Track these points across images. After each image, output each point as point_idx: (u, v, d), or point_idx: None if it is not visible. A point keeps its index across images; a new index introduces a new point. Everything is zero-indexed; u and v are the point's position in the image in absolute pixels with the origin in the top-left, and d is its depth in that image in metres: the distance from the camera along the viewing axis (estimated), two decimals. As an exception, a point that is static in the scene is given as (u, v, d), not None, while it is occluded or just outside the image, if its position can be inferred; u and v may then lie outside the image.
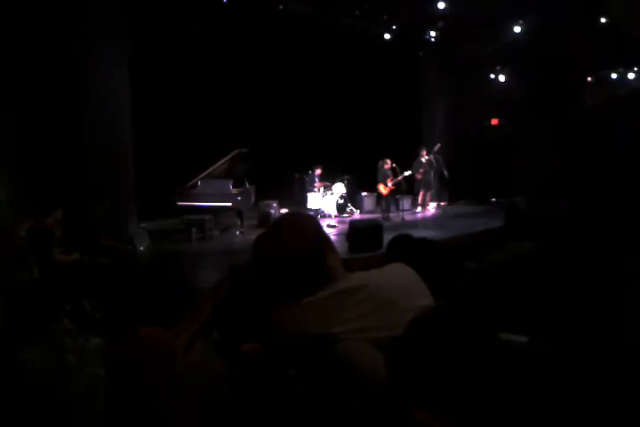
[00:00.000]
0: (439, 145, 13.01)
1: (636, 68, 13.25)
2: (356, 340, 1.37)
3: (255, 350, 1.49)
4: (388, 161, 12.01)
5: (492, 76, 14.62)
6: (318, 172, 12.45)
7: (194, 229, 9.49)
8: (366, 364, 1.29)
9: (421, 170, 12.97)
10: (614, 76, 13.52)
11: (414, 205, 13.68)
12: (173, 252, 8.72)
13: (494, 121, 15.15)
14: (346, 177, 12.85)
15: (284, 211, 11.33)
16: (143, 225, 9.14)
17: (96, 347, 2.32)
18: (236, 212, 10.09)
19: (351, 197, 13.10)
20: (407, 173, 12.13)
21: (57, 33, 8.48)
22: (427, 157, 13.02)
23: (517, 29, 12.09)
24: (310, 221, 1.67)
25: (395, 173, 11.97)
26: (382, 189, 12.16)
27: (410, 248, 2.33)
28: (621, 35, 11.10)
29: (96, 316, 3.71)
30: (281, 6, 10.86)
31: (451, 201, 14.34)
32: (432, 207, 13.62)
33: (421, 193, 13.37)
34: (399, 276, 1.61)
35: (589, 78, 13.64)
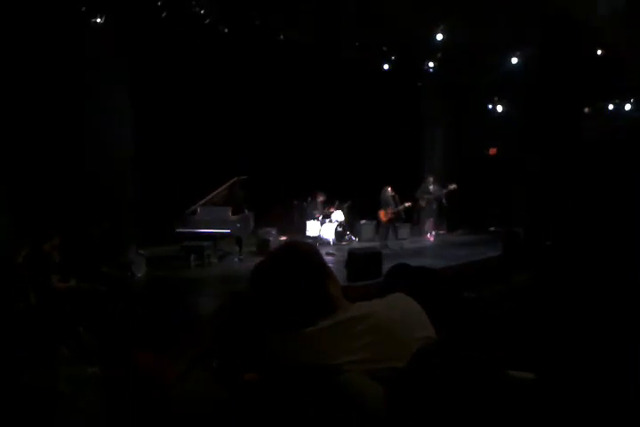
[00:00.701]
0: (455, 186, 12.92)
1: (632, 99, 13.42)
2: (357, 371, 1.36)
3: (255, 380, 1.48)
4: (390, 189, 12.06)
5: (490, 106, 14.81)
6: (321, 199, 12.48)
7: (192, 256, 9.47)
8: (367, 397, 1.28)
9: (427, 197, 12.94)
10: (611, 106, 13.69)
11: (413, 233, 13.67)
12: (172, 279, 8.68)
13: (492, 151, 15.26)
14: (345, 204, 12.88)
15: (282, 238, 11.34)
16: (141, 252, 9.12)
17: (91, 376, 2.29)
18: (235, 239, 10.08)
19: (350, 225, 13.10)
20: (408, 205, 12.12)
21: (58, 60, 8.64)
22: (434, 186, 12.97)
23: (515, 60, 12.28)
24: (310, 251, 1.67)
25: (395, 201, 11.99)
26: (382, 216, 12.16)
27: (408, 277, 2.33)
28: (617, 66, 11.31)
29: (92, 343, 3.67)
30: (281, 36, 11.04)
31: (449, 230, 14.34)
32: (431, 236, 13.59)
33: (430, 221, 13.28)
34: (401, 306, 1.60)
35: (586, 109, 13.81)
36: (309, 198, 12.56)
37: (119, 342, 3.95)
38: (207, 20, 9.93)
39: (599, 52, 11.63)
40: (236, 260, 10.04)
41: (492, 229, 14.01)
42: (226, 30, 10.42)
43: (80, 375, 2.29)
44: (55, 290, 4.83)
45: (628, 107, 13.47)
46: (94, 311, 4.62)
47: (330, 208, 12.52)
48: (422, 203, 13.07)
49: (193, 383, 1.52)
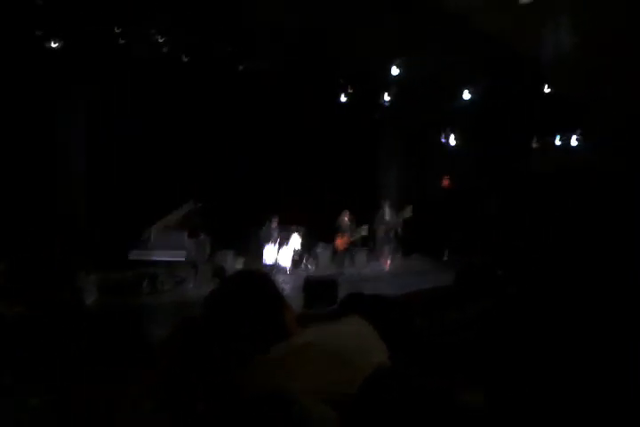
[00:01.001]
0: (410, 214, 12.97)
1: (578, 133, 13.96)
2: (311, 398, 1.35)
3: (206, 410, 1.45)
4: (347, 215, 12.14)
5: (444, 139, 15.17)
6: (275, 223, 12.46)
7: (146, 282, 9.28)
8: (321, 425, 1.27)
9: (384, 225, 13.13)
10: (558, 141, 14.20)
11: (370, 260, 13.76)
12: (124, 305, 8.46)
13: (446, 182, 15.59)
14: (301, 231, 12.86)
15: (239, 263, 11.23)
16: (92, 277, 8.88)
17: (34, 408, 2.18)
18: (191, 264, 9.94)
19: (307, 251, 13.09)
20: (365, 229, 12.24)
21: (13, 84, 8.51)
22: (389, 214, 13.15)
23: (467, 95, 12.68)
24: (264, 279, 1.68)
25: (352, 227, 12.08)
26: (339, 243, 12.21)
27: (363, 305, 2.34)
28: (565, 101, 11.84)
29: (37, 372, 3.52)
30: (241, 67, 11.14)
31: (404, 257, 14.47)
32: (387, 263, 13.67)
33: (387, 248, 13.43)
34: (355, 331, 1.61)
35: (534, 143, 14.29)
36: (265, 224, 12.52)
37: (65, 370, 3.80)
38: (166, 49, 9.94)
39: (546, 87, 12.13)
40: (191, 286, 9.88)
41: (446, 257, 14.21)
42: (185, 59, 10.45)
43: (21, 408, 2.19)
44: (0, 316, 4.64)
45: (574, 142, 13.99)
46: (40, 339, 4.45)
47: (287, 229, 12.48)
48: (380, 231, 13.21)
49: (142, 415, 1.49)
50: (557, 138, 14.06)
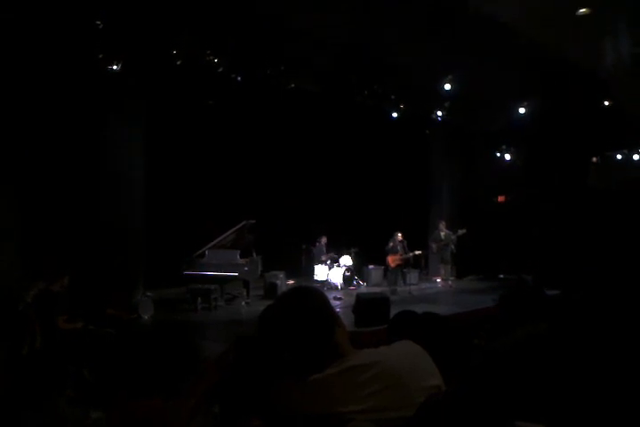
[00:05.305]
0: (464, 231, 13.02)
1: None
2: (364, 420, 1.34)
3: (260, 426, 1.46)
4: (399, 234, 12.09)
5: (498, 154, 14.93)
6: (324, 241, 12.52)
7: (199, 299, 9.42)
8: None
9: (439, 243, 13.03)
10: (619, 157, 13.75)
11: (422, 278, 13.61)
12: (178, 321, 8.62)
13: (501, 198, 15.29)
14: (353, 250, 12.87)
15: (290, 282, 11.28)
16: (149, 294, 9.10)
17: (95, 421, 2.25)
18: (243, 282, 10.05)
19: (358, 270, 13.05)
20: (418, 253, 12.18)
21: (74, 104, 8.86)
22: (445, 232, 13.03)
23: (522, 110, 12.45)
24: (318, 296, 1.67)
25: (404, 246, 12.02)
26: (391, 261, 12.14)
27: (414, 324, 2.31)
28: (625, 117, 11.45)
29: (97, 385, 3.62)
30: (293, 84, 11.30)
31: (459, 276, 14.23)
32: (442, 281, 13.45)
33: (442, 267, 13.32)
34: (408, 354, 1.59)
35: (594, 158, 13.87)
36: (317, 243, 12.60)
37: (123, 385, 3.90)
38: (220, 69, 10.19)
39: (606, 102, 11.78)
40: (243, 303, 9.98)
41: (502, 276, 13.89)
42: (239, 79, 10.69)
43: (84, 420, 2.26)
44: (62, 331, 4.80)
45: (636, 157, 13.53)
46: (99, 354, 4.58)
47: (332, 253, 12.53)
48: (433, 250, 13.13)
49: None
50: (617, 154, 13.63)
